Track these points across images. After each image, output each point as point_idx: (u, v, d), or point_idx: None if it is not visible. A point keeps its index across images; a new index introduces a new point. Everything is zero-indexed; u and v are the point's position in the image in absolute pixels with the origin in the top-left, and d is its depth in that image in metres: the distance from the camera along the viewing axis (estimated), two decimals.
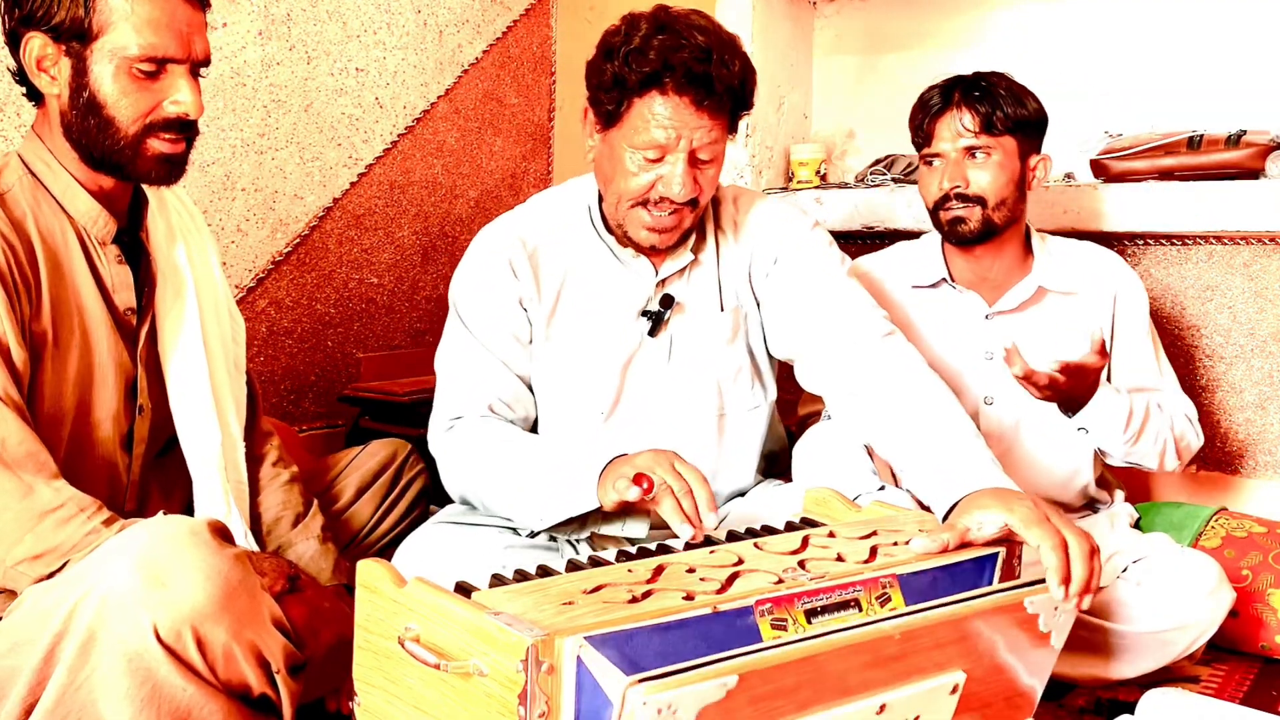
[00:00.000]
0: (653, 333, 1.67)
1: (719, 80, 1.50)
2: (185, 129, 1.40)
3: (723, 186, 1.75)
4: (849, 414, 1.60)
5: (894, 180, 2.63)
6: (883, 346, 1.59)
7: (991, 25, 2.73)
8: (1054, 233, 2.11)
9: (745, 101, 1.58)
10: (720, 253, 1.72)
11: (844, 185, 2.73)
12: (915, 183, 2.61)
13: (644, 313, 1.67)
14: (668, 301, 1.67)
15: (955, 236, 1.91)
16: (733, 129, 1.60)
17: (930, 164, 1.92)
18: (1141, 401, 1.86)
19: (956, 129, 1.87)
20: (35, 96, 1.41)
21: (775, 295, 1.70)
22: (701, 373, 1.70)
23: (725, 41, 1.55)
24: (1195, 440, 1.95)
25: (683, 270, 1.69)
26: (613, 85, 1.53)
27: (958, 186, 1.87)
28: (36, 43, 1.34)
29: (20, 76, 1.39)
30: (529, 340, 1.69)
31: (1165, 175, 2.27)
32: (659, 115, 1.51)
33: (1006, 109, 1.86)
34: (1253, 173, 2.19)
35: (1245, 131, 2.21)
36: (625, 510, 1.44)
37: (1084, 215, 2.31)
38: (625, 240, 1.66)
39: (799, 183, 2.85)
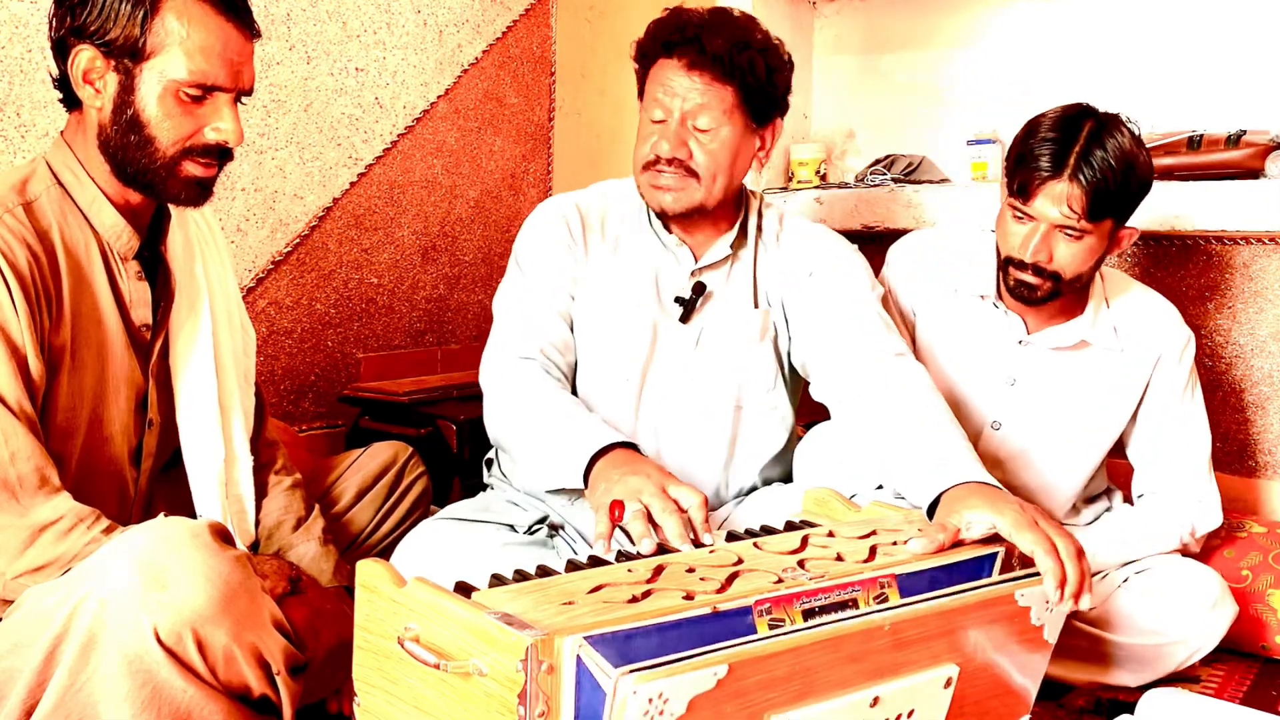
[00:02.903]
0: (684, 319, 1.73)
1: (708, 44, 1.60)
2: (222, 155, 1.41)
3: (773, 204, 1.85)
4: (845, 420, 1.62)
5: (894, 180, 2.63)
6: (891, 364, 1.61)
7: (991, 25, 2.73)
8: None
9: (745, 75, 1.62)
10: (758, 256, 1.78)
11: (844, 185, 2.73)
12: (915, 181, 2.61)
13: (677, 299, 1.73)
14: (700, 289, 1.73)
15: (1016, 296, 1.80)
16: (754, 115, 1.66)
17: (1018, 218, 1.75)
18: (1131, 526, 1.86)
19: (1062, 208, 1.69)
20: (70, 103, 1.39)
21: (803, 306, 1.74)
22: (724, 364, 1.74)
23: (731, 20, 1.65)
24: (1206, 523, 1.88)
25: (720, 263, 1.75)
26: (636, 59, 1.70)
27: (1039, 260, 1.73)
28: (85, 55, 1.33)
29: (59, 83, 1.38)
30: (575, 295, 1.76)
31: (1165, 175, 2.27)
32: (661, 80, 1.64)
33: (1115, 194, 1.68)
34: (1253, 173, 2.19)
35: (1245, 131, 2.21)
36: None
37: None
38: (665, 222, 1.74)
39: (799, 183, 2.85)
